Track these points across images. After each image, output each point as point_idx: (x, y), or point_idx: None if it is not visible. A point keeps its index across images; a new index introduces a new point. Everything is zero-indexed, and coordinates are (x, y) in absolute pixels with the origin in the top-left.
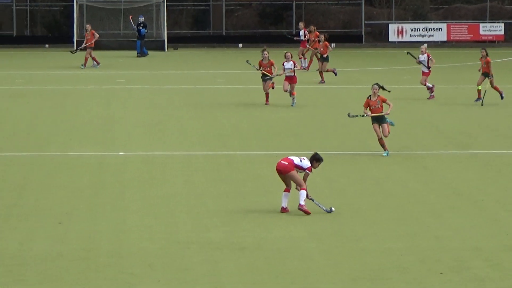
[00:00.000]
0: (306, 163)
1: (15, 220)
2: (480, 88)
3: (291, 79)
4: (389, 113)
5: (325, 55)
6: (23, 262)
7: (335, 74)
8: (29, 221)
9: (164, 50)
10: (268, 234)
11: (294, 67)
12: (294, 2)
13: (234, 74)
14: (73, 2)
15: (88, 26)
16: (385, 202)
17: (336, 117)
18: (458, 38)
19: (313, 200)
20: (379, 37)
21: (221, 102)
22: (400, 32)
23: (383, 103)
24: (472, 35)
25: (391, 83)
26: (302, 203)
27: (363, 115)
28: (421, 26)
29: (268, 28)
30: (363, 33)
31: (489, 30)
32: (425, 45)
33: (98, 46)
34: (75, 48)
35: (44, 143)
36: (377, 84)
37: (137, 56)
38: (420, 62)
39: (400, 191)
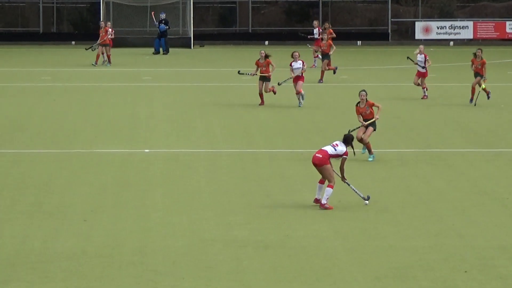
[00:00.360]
0: (341, 148)
1: (40, 217)
2: (484, 87)
3: (299, 78)
4: (378, 118)
5: (330, 53)
6: (47, 260)
7: (334, 72)
8: (54, 218)
9: (190, 47)
10: (292, 232)
11: (303, 67)
12: (321, 0)
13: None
14: None
15: (102, 23)
16: (410, 200)
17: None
18: (484, 36)
19: (349, 185)
20: (405, 35)
21: (247, 100)
22: (427, 30)
23: (372, 108)
24: (498, 33)
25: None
26: (324, 201)
27: (359, 127)
28: (447, 24)
29: (294, 26)
30: (389, 30)
31: None
32: (422, 46)
33: (124, 43)
34: (91, 45)
35: (69, 141)
36: (364, 90)
37: (154, 53)
38: (417, 63)
39: (424, 189)
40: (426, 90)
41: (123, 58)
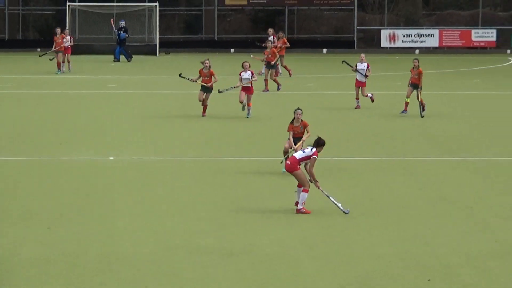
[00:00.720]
0: (309, 151)
1: (4, 225)
2: (408, 100)
3: (248, 90)
4: (305, 140)
5: (272, 63)
6: (11, 268)
7: (278, 88)
8: (18, 226)
9: (156, 54)
10: (257, 239)
11: (252, 78)
12: (287, 7)
13: (226, 79)
14: (66, 6)
15: (58, 30)
16: (374, 208)
17: (326, 121)
18: (450, 44)
19: (329, 197)
20: (371, 43)
21: (213, 107)
22: (392, 38)
23: (305, 129)
24: (464, 41)
25: (383, 89)
26: (300, 206)
27: (290, 151)
28: (413, 32)
29: (260, 33)
30: (355, 38)
31: (481, 36)
32: (363, 54)
33: (90, 50)
34: (45, 52)
35: (35, 148)
36: (299, 109)
37: (114, 61)
38: (356, 70)
39: (389, 197)
40: (368, 96)
41: (89, 65)
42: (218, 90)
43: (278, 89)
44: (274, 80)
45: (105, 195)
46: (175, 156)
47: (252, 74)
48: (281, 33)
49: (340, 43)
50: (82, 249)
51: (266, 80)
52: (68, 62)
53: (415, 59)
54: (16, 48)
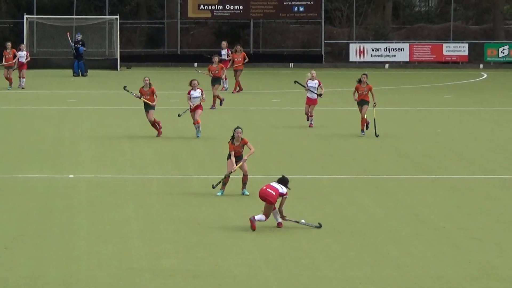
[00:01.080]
0: (282, 189)
1: None
2: (365, 117)
3: (196, 108)
4: (246, 159)
5: (222, 77)
6: None
7: (221, 103)
8: None
9: (117, 69)
10: (222, 261)
11: (202, 96)
12: (252, 20)
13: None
14: (23, 19)
15: (9, 44)
16: (345, 228)
17: (292, 139)
18: (421, 58)
19: (298, 222)
20: (339, 57)
21: (175, 124)
22: (361, 52)
23: (245, 146)
24: (435, 56)
25: (353, 105)
26: (256, 219)
27: (229, 174)
28: (382, 46)
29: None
30: (322, 52)
31: (452, 51)
32: (314, 71)
33: (49, 64)
34: None
35: None
36: (239, 127)
37: (73, 76)
38: (308, 89)
39: (360, 217)
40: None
41: (47, 80)
42: (178, 115)
43: (221, 104)
44: (217, 96)
45: (65, 215)
46: (137, 174)
47: (202, 92)
48: (239, 46)
49: (307, 58)
50: (41, 271)
51: (214, 97)
52: (23, 78)
53: (364, 74)
54: None
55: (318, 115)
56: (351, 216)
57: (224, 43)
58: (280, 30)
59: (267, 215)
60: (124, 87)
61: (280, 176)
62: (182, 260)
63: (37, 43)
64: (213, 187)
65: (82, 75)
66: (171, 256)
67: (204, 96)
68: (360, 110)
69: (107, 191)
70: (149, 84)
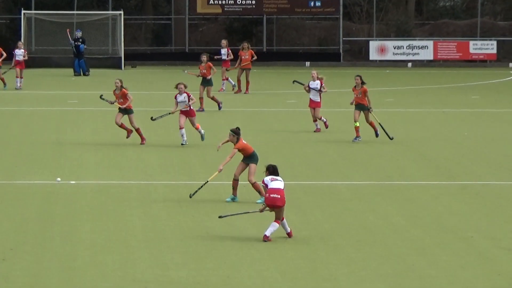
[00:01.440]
0: (282, 180)
1: None
2: (358, 124)
3: (187, 113)
4: (221, 169)
5: (208, 78)
6: None
7: (220, 107)
8: None
9: (120, 68)
10: (234, 272)
11: (188, 101)
12: (265, 16)
13: (198, 94)
14: (21, 14)
15: None
16: (366, 238)
17: (309, 142)
18: (445, 56)
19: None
20: (358, 55)
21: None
22: (382, 49)
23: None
24: (461, 54)
25: (374, 107)
26: (269, 234)
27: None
28: (405, 43)
29: (236, 45)
30: (341, 50)
31: (480, 48)
32: (315, 71)
33: (48, 63)
34: None
35: None
36: (230, 130)
37: (74, 75)
38: (309, 90)
39: (382, 226)
40: (322, 120)
41: (47, 80)
42: (151, 118)
43: (220, 108)
44: (212, 98)
45: (66, 223)
46: (143, 180)
47: (189, 96)
48: (246, 43)
49: (325, 56)
50: (40, 283)
51: (201, 99)
52: (21, 78)
53: (357, 76)
54: None
55: (337, 118)
56: (372, 225)
57: (224, 42)
58: (295, 27)
59: (279, 219)
60: (101, 96)
61: (268, 168)
62: (191, 272)
63: (35, 40)
64: (190, 197)
65: (84, 74)
66: (179, 267)
67: (190, 102)
68: (357, 116)
69: (111, 198)
70: (121, 86)
